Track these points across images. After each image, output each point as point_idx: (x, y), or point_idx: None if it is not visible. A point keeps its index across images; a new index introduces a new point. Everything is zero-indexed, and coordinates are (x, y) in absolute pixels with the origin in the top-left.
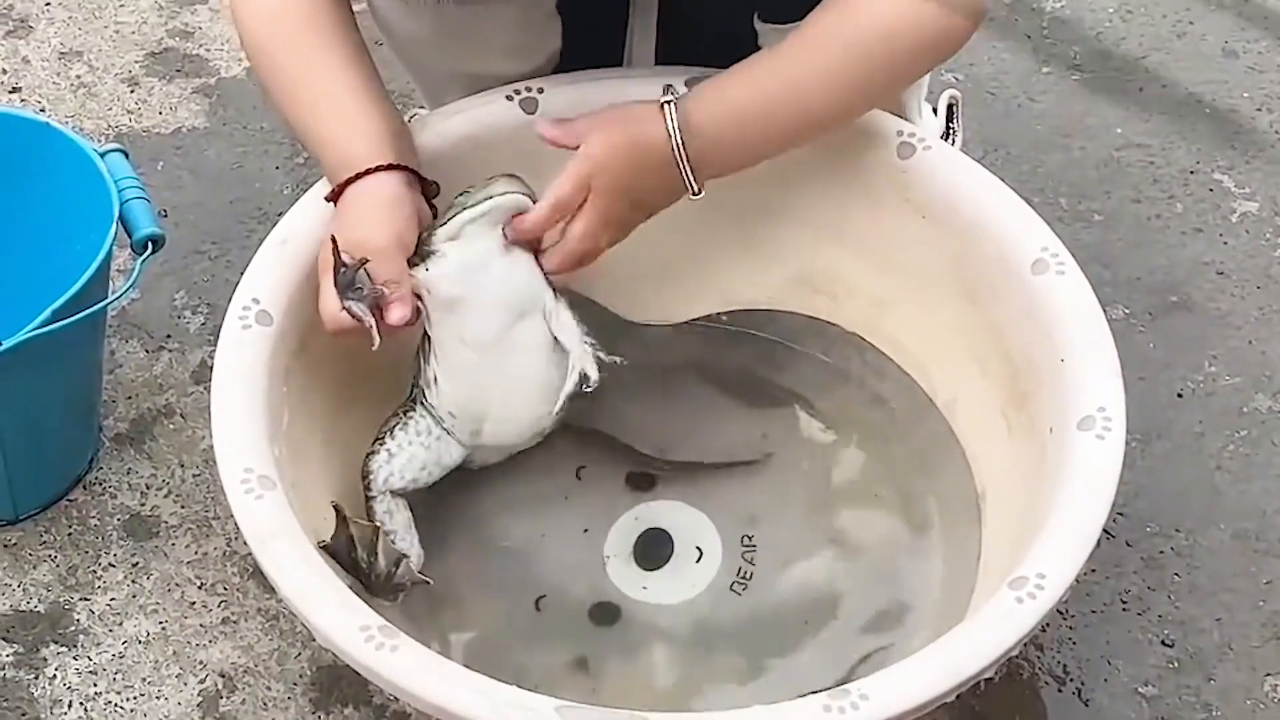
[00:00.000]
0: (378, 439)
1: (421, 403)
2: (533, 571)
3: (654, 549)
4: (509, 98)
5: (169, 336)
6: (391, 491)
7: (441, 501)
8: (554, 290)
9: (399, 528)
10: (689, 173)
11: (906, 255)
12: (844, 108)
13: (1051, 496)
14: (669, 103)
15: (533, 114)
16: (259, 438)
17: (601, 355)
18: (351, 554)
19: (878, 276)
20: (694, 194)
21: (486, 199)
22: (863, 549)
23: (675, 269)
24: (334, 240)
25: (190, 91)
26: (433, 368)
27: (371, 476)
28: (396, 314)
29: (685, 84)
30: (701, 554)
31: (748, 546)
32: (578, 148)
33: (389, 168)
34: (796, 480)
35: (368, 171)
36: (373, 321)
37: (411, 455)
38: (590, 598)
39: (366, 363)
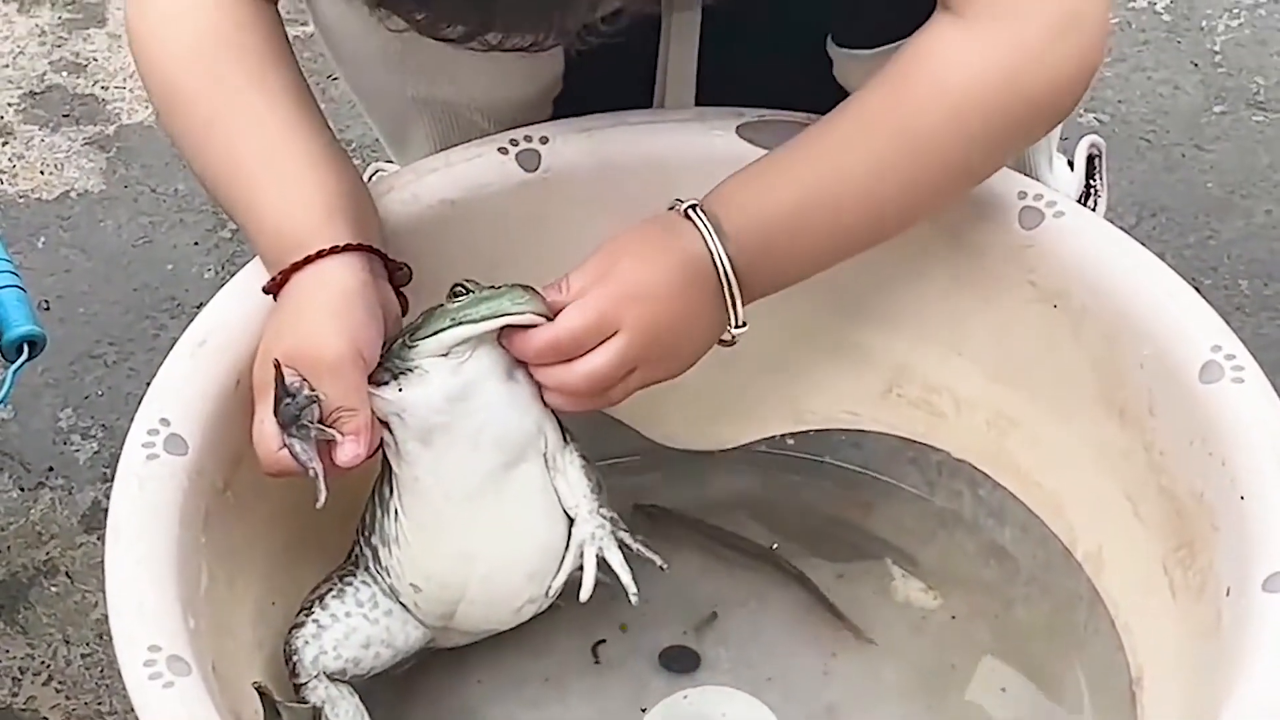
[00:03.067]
0: (303, 609)
1: (369, 568)
2: None
3: None
4: (502, 150)
5: (51, 469)
6: (328, 675)
7: (409, 686)
8: (563, 430)
9: None
10: (734, 294)
11: (1033, 357)
12: (908, 206)
13: (1232, 680)
14: (692, 208)
15: (533, 171)
16: (169, 605)
17: (627, 539)
18: None
19: (995, 385)
20: (735, 326)
21: (496, 316)
22: None
23: (724, 378)
24: (278, 365)
25: (82, 143)
26: (395, 522)
27: (297, 657)
28: (347, 453)
29: (738, 130)
30: None
31: None
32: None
33: (346, 249)
34: (889, 659)
35: (318, 255)
36: (319, 469)
37: (351, 629)
38: None
39: (314, 504)
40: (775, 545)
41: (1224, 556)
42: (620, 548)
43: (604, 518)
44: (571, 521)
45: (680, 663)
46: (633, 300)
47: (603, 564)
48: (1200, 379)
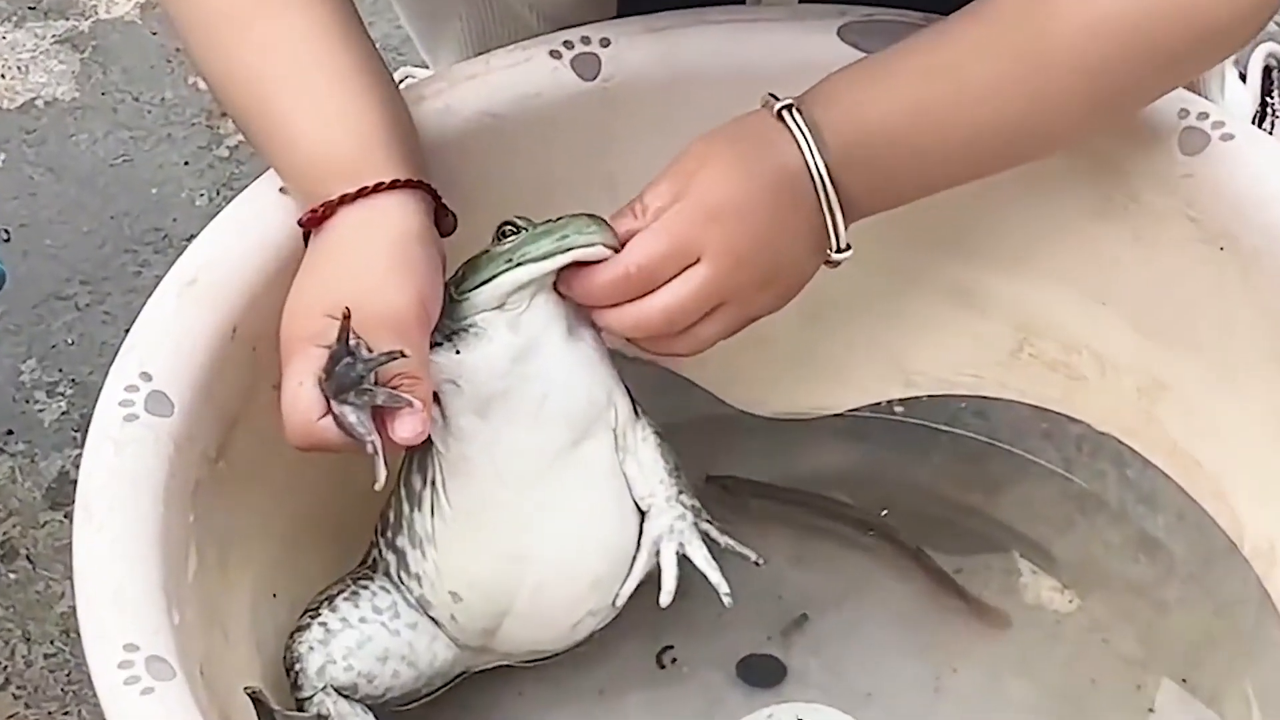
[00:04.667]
0: (308, 611)
1: (390, 574)
2: None
3: None
4: (555, 53)
5: (10, 433)
6: (337, 689)
7: (437, 698)
8: (634, 403)
9: None
10: (834, 211)
11: (1193, 309)
12: (1034, 133)
13: None
14: (787, 108)
15: (592, 80)
16: (149, 596)
17: (713, 532)
18: None
19: (1147, 343)
20: (837, 249)
21: (562, 251)
22: None
23: (818, 331)
24: (348, 315)
25: (51, 41)
26: (432, 518)
27: (300, 665)
28: (413, 427)
29: (839, 33)
30: None
31: None
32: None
33: (405, 185)
34: (1016, 670)
35: (375, 189)
36: (378, 442)
37: (365, 637)
38: None
39: (327, 475)
40: (885, 512)
41: None
42: (705, 541)
43: (685, 506)
44: (643, 514)
45: (762, 674)
46: (714, 220)
47: (684, 562)
48: None
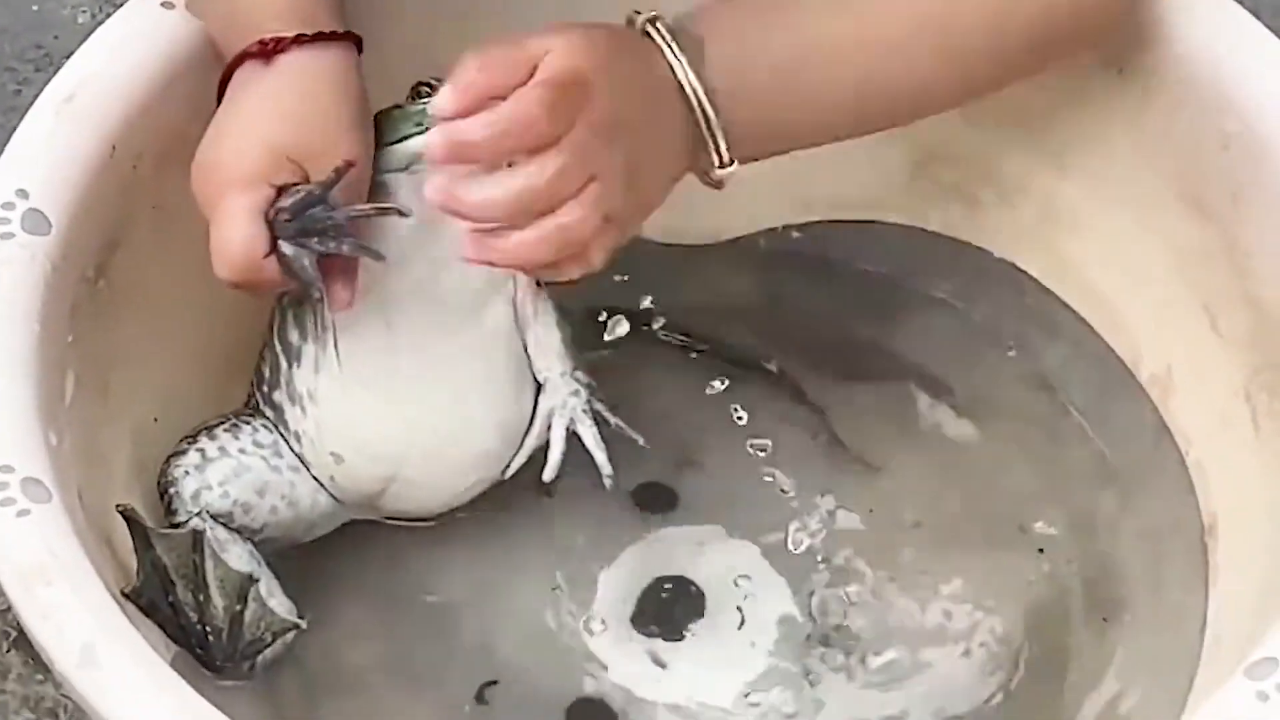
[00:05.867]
0: (187, 437)
1: (271, 425)
2: (475, 644)
3: (671, 609)
4: None
5: None
6: (213, 516)
7: (322, 536)
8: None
9: (236, 564)
10: (709, 119)
11: (1093, 134)
12: (940, 93)
13: None
14: (651, 21)
15: None
16: (24, 418)
17: (605, 412)
18: (170, 596)
19: (1047, 170)
20: (720, 164)
21: None
22: (1017, 611)
23: None
24: (349, 164)
25: None
26: (315, 375)
27: (175, 489)
28: (344, 300)
29: None
30: (745, 618)
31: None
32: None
33: (351, 36)
34: (908, 500)
35: (332, 36)
36: (324, 288)
37: (244, 467)
38: (567, 691)
39: (212, 303)
40: (774, 361)
41: None
42: (596, 420)
43: (580, 383)
44: (539, 387)
45: (654, 502)
46: (609, 142)
47: (573, 439)
48: None
